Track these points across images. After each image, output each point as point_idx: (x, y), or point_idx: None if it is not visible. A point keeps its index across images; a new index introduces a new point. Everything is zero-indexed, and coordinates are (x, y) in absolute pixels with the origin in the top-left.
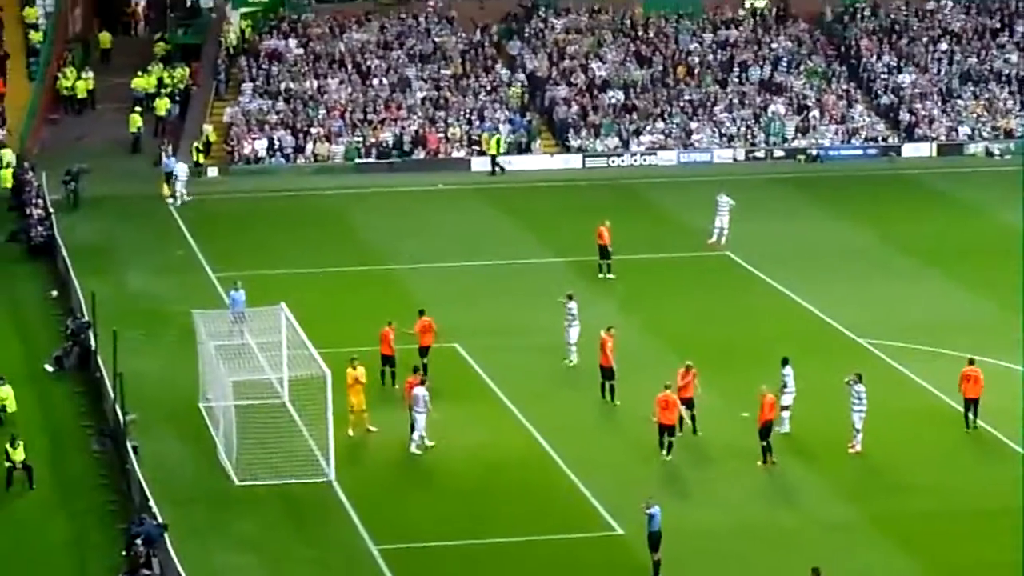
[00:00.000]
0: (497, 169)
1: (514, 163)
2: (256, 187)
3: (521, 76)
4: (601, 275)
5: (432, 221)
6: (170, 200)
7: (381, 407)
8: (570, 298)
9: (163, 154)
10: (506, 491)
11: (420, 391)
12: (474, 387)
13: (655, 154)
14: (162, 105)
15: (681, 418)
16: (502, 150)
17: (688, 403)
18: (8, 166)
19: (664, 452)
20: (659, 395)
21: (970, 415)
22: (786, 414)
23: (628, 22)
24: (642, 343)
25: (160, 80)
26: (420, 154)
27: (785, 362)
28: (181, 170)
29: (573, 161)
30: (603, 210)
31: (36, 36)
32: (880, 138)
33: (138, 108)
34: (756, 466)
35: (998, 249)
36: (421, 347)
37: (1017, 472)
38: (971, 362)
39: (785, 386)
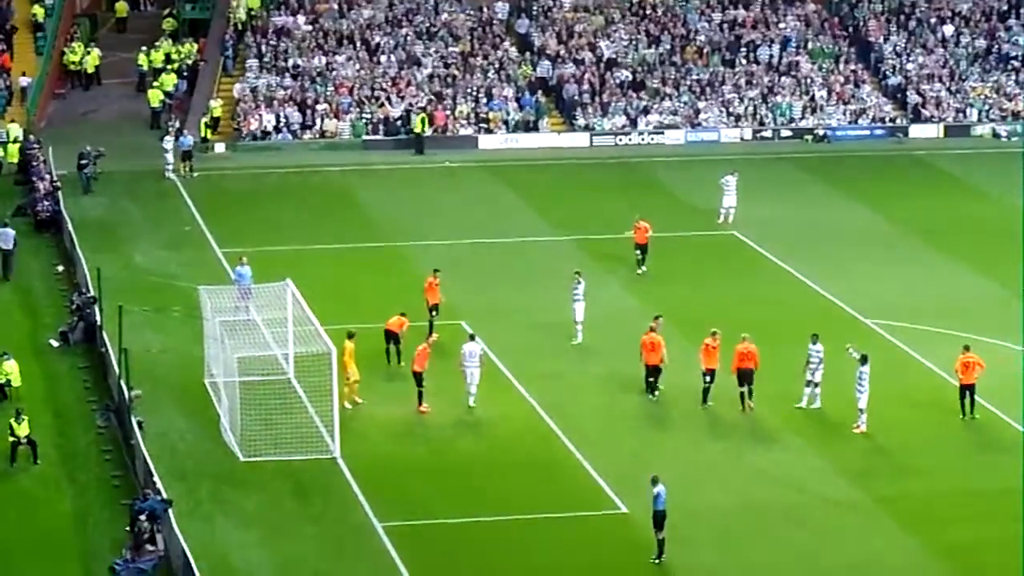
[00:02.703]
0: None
1: (521, 141)
2: (263, 163)
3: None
4: (639, 270)
5: (439, 199)
6: (173, 175)
7: (387, 384)
8: (578, 275)
9: (170, 129)
10: (511, 468)
11: (476, 347)
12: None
13: (662, 133)
14: (168, 81)
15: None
16: (427, 131)
17: (710, 373)
18: (15, 141)
19: (650, 393)
20: (643, 337)
21: (966, 403)
22: (817, 391)
23: (636, 1)
24: (647, 322)
25: (168, 56)
26: (427, 131)
27: (815, 339)
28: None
29: (580, 140)
30: (610, 188)
31: (41, 11)
32: (887, 119)
33: (153, 83)
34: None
35: (1004, 230)
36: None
37: (1018, 451)
38: (966, 348)
39: (812, 361)
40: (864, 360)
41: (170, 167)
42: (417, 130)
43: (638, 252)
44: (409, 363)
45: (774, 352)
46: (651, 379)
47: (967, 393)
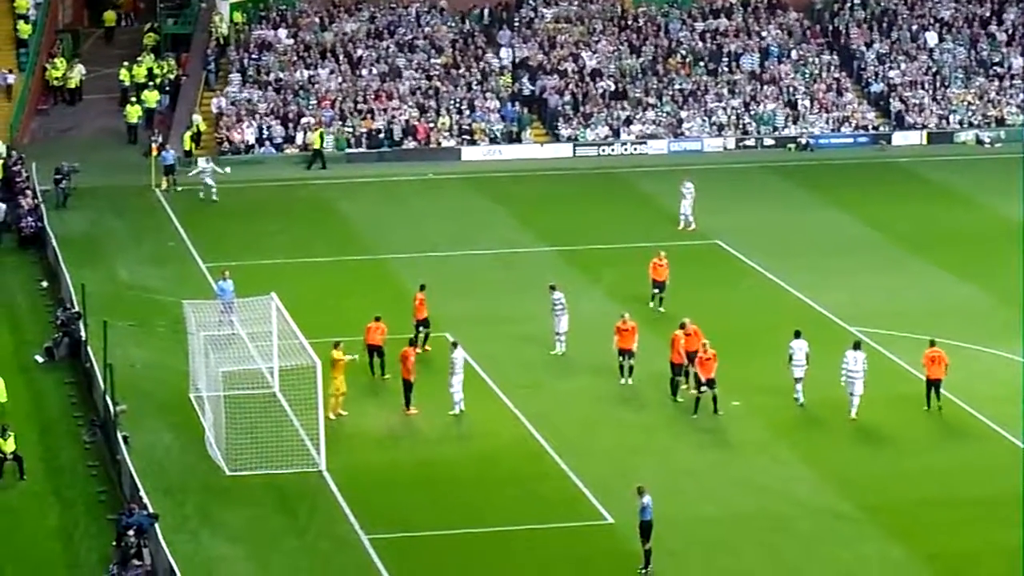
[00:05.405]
0: (317, 165)
1: (504, 152)
2: (246, 177)
3: (508, 64)
4: (652, 304)
5: (422, 210)
6: (164, 190)
7: (371, 396)
8: (553, 288)
9: (153, 144)
10: (497, 480)
11: (459, 353)
12: (464, 376)
13: (645, 143)
14: (151, 97)
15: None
16: (326, 145)
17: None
18: None
19: (622, 378)
20: (618, 323)
21: (932, 395)
22: (799, 386)
23: (618, 10)
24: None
25: (150, 71)
26: (410, 144)
27: (797, 335)
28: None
29: (563, 150)
30: (594, 199)
31: (25, 28)
32: (870, 126)
33: (133, 99)
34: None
35: (988, 237)
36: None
37: (1005, 458)
38: (932, 344)
39: (793, 358)
40: (856, 346)
41: (213, 187)
42: (316, 145)
43: (655, 290)
44: (396, 372)
45: (757, 360)
46: (629, 361)
47: (933, 387)
